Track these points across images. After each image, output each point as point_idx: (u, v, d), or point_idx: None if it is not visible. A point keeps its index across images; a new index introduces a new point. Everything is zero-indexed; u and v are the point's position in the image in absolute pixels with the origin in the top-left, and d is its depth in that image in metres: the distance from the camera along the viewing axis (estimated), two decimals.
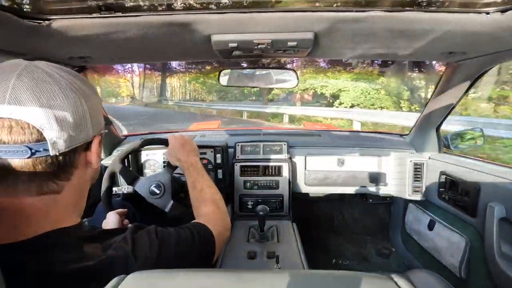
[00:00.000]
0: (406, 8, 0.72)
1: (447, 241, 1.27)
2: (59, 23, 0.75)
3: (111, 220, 0.92)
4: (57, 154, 0.38)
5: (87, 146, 0.44)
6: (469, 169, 1.16)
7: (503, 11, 0.69)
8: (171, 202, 0.99)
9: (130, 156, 1.43)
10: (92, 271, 0.39)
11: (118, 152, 1.24)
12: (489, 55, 0.99)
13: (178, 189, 1.08)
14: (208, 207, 0.74)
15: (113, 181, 1.04)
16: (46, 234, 0.39)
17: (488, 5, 0.70)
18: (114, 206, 1.00)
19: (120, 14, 0.75)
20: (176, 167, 0.99)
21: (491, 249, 0.97)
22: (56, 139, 0.37)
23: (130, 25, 0.79)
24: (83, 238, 0.43)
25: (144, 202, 1.02)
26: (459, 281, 1.17)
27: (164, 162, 1.51)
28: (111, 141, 1.67)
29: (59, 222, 0.41)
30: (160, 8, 0.76)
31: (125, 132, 1.87)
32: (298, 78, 1.23)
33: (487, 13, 0.70)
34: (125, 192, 1.09)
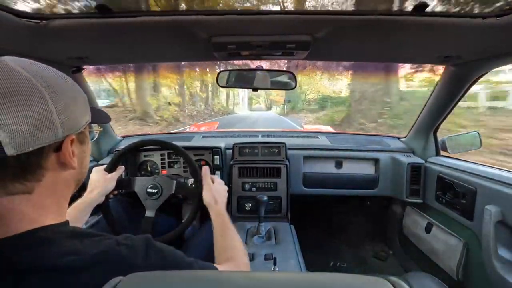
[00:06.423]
0: (403, 13, 0.72)
1: (445, 244, 1.27)
2: (57, 23, 0.75)
3: (95, 178, 0.94)
4: (15, 155, 0.35)
5: (57, 146, 0.41)
6: (466, 172, 1.16)
7: (498, 16, 0.70)
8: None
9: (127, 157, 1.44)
10: (82, 265, 0.38)
11: (115, 153, 1.24)
12: (484, 59, 0.99)
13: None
14: (234, 257, 0.69)
15: None
16: (31, 231, 0.38)
17: (484, 10, 0.70)
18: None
19: (118, 14, 0.74)
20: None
21: (488, 252, 0.97)
22: (10, 140, 0.34)
23: (129, 26, 0.79)
24: (71, 234, 0.42)
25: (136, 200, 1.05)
26: (457, 284, 1.17)
27: (162, 164, 1.51)
28: (109, 142, 1.67)
29: (36, 221, 0.40)
30: (159, 10, 0.76)
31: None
32: (296, 80, 1.23)
33: (483, 17, 0.71)
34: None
